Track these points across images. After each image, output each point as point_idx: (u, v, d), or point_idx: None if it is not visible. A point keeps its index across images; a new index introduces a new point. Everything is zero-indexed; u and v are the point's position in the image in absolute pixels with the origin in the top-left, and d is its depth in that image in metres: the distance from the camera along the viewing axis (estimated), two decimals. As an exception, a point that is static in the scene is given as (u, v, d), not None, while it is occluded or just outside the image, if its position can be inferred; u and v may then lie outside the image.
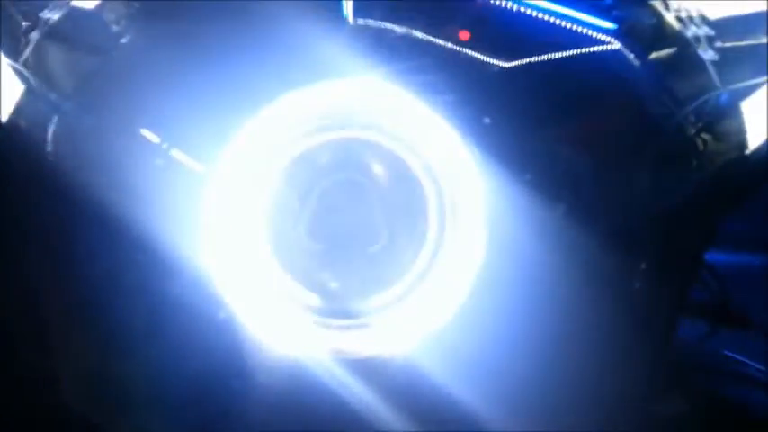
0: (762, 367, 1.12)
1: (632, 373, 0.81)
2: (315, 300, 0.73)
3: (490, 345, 0.74)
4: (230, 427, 0.78)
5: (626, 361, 0.77)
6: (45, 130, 0.82)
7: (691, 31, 0.72)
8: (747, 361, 1.10)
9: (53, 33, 0.81)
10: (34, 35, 0.80)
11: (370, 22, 0.80)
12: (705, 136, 0.74)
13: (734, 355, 1.17)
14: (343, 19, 0.79)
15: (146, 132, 0.79)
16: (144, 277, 0.74)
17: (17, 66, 0.80)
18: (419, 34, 0.77)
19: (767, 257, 1.38)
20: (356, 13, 0.81)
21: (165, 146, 0.77)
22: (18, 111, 0.83)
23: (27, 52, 0.80)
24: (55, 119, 0.83)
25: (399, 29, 0.77)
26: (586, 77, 0.78)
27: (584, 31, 0.79)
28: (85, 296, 0.75)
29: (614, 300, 0.75)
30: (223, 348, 0.75)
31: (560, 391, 0.75)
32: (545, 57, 0.78)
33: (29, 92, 0.82)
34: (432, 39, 0.78)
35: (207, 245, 0.73)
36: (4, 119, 0.82)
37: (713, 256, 1.17)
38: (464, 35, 0.85)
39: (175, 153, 0.77)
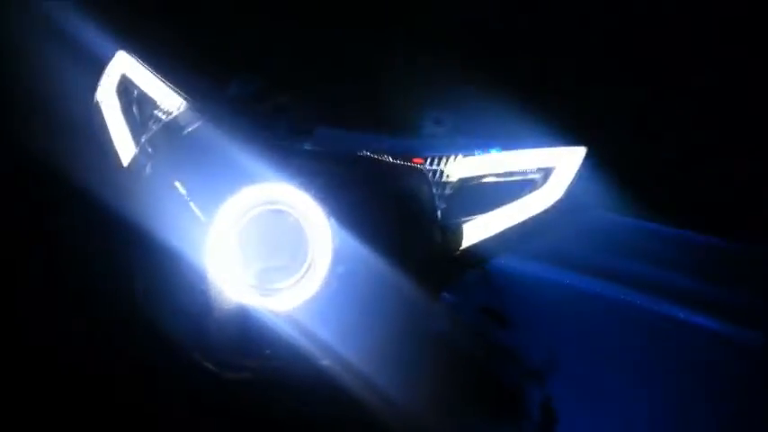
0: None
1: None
2: (255, 282, 1.33)
3: (337, 310, 1.35)
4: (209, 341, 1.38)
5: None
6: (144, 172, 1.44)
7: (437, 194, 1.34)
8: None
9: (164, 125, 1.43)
10: (152, 124, 1.45)
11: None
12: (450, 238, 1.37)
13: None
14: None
15: (179, 185, 1.40)
16: (175, 269, 1.37)
17: (142, 141, 1.44)
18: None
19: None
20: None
21: (189, 201, 1.36)
22: (134, 159, 1.46)
23: (146, 136, 1.44)
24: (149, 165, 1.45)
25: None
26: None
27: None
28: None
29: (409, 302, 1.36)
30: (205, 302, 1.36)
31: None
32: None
33: (140, 150, 1.45)
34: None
35: (209, 253, 1.33)
36: (126, 164, 1.48)
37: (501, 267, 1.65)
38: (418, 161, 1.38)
39: (193, 206, 1.35)
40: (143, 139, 1.46)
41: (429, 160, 1.37)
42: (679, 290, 1.77)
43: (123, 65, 1.55)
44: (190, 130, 1.45)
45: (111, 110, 1.53)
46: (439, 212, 1.34)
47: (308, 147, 1.38)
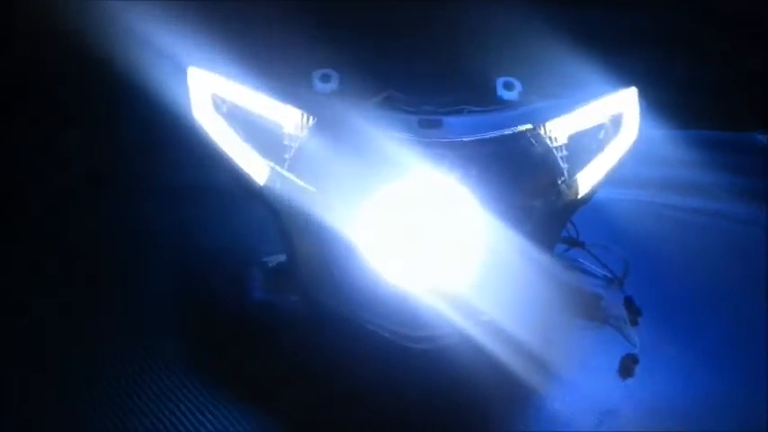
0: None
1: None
2: (412, 266, 1.50)
3: (490, 286, 1.50)
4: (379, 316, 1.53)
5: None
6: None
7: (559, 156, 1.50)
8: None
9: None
10: (287, 155, 1.46)
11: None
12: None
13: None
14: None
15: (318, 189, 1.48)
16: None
17: (281, 168, 1.47)
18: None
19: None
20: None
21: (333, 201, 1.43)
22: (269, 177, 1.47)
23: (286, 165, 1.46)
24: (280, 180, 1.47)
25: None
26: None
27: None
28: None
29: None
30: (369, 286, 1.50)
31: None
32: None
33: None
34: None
35: (369, 246, 1.47)
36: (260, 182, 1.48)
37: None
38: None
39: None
40: (284, 159, 1.49)
41: (541, 127, 1.50)
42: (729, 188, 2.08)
43: (202, 80, 1.49)
44: (313, 135, 1.47)
45: (214, 127, 1.50)
46: (565, 172, 1.52)
47: (444, 137, 1.44)
